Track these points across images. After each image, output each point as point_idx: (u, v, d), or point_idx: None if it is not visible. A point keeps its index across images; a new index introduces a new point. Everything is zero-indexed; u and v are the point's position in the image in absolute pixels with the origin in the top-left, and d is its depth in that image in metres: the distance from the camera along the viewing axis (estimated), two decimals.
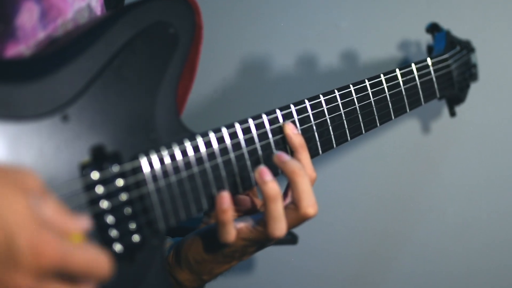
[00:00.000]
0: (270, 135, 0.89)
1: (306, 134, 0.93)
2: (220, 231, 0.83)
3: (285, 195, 0.89)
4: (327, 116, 0.96)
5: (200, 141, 0.82)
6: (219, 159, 0.84)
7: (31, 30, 0.78)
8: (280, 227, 0.83)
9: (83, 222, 0.61)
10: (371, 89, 1.03)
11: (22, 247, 0.56)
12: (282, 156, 0.85)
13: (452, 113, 1.38)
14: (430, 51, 1.29)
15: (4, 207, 0.56)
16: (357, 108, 1.01)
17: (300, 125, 0.93)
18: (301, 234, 1.18)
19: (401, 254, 1.62)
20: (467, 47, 1.31)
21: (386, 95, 1.05)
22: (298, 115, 0.93)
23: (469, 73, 1.30)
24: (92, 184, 0.73)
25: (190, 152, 0.81)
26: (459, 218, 1.59)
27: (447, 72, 1.19)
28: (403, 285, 1.62)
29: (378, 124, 1.05)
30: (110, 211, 0.74)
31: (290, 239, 1.16)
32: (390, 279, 1.63)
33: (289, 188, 0.89)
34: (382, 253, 1.62)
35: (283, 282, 1.60)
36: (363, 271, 1.63)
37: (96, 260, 0.61)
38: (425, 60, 1.14)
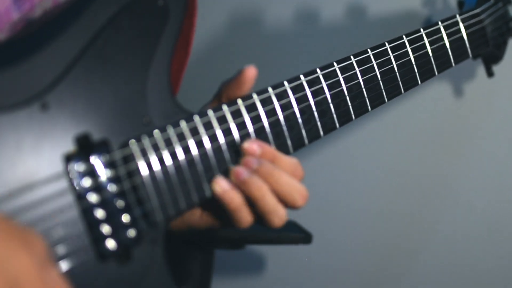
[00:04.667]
0: (279, 111, 0.81)
1: (320, 107, 0.85)
2: (233, 218, 0.76)
3: None
4: (344, 86, 0.88)
5: (198, 122, 0.75)
6: (222, 141, 0.76)
7: (4, 12, 0.71)
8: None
9: None
10: (392, 53, 0.93)
11: None
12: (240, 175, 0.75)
13: (490, 73, 1.26)
14: (461, 6, 1.18)
15: (12, 261, 0.54)
16: (378, 74, 0.91)
17: (314, 97, 0.84)
18: (315, 232, 1.10)
19: (424, 253, 1.51)
20: (503, 0, 1.19)
21: (410, 59, 0.95)
22: (310, 87, 0.84)
23: (506, 27, 1.18)
24: (78, 177, 0.67)
25: (188, 135, 0.74)
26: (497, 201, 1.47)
27: (479, 29, 1.08)
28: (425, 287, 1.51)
29: (402, 91, 0.95)
30: (99, 205, 0.68)
31: (303, 237, 1.07)
32: (410, 279, 1.52)
33: None
34: (403, 251, 1.52)
35: (296, 283, 1.53)
36: (382, 271, 1.53)
37: None
38: (454, 17, 1.03)
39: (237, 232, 0.82)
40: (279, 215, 0.76)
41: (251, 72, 0.79)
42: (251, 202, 0.75)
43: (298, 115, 0.83)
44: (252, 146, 0.76)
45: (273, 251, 1.48)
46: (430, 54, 0.98)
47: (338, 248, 1.49)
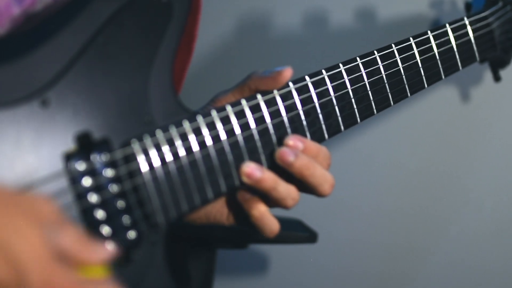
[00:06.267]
0: (283, 113, 0.80)
1: (325, 109, 0.83)
2: (260, 224, 0.77)
3: None
4: (349, 88, 0.86)
5: (201, 122, 0.73)
6: (225, 142, 0.75)
7: (4, 7, 0.70)
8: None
9: (105, 252, 0.57)
10: (399, 55, 0.92)
11: (34, 286, 0.53)
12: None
13: (497, 78, 1.25)
14: (468, 9, 1.17)
15: (17, 241, 0.52)
16: (384, 77, 0.90)
17: (319, 99, 0.83)
18: (321, 231, 1.08)
19: (433, 254, 1.49)
20: (511, 3, 1.18)
21: (417, 61, 0.94)
22: (315, 88, 0.83)
23: None
24: (78, 176, 0.66)
25: (191, 135, 0.72)
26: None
27: (487, 32, 1.07)
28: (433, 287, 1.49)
29: (409, 94, 0.94)
30: (100, 205, 0.67)
31: (308, 237, 1.06)
32: (418, 279, 1.50)
33: None
34: (411, 251, 1.50)
35: (300, 284, 1.50)
36: (389, 271, 1.51)
37: None
38: (461, 20, 1.02)
39: (240, 231, 0.81)
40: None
41: (288, 73, 0.79)
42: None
43: (302, 117, 0.81)
44: (297, 142, 0.77)
45: (277, 251, 1.46)
46: (437, 57, 0.97)
47: (344, 248, 1.47)
